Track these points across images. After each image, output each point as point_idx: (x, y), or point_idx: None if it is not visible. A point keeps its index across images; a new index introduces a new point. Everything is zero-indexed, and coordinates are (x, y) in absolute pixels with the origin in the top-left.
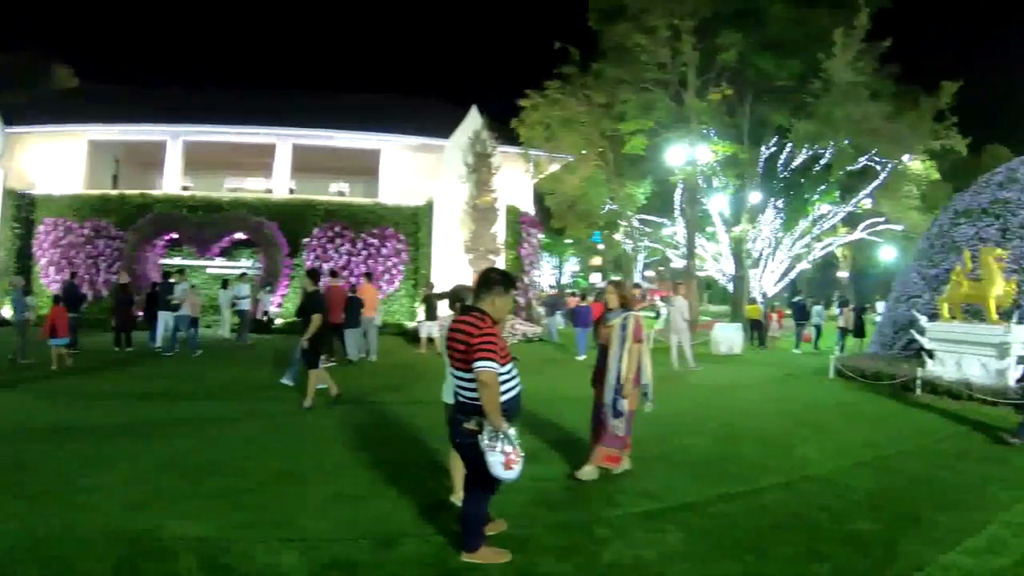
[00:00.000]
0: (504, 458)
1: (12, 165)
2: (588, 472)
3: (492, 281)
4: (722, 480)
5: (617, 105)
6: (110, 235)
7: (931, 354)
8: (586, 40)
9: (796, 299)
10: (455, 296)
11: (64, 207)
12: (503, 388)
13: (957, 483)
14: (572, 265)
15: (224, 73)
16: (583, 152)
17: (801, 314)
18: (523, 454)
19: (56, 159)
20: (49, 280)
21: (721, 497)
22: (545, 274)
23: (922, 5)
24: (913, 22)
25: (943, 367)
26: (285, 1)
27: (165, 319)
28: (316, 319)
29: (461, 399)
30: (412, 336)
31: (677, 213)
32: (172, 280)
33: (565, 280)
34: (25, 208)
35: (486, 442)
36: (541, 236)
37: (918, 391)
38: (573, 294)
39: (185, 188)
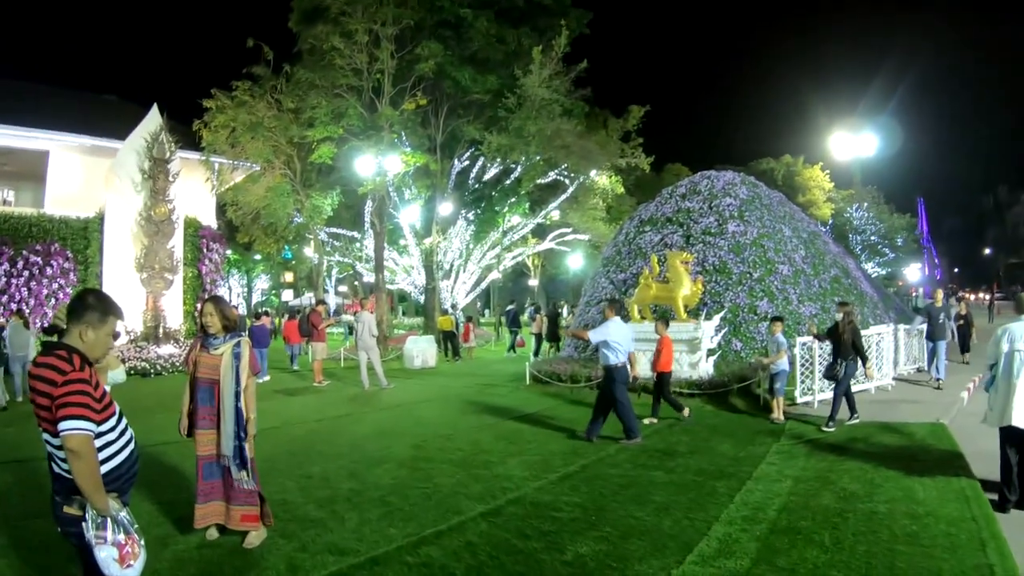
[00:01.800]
0: (117, 552)
1: None
2: (255, 536)
3: (83, 307)
4: (419, 518)
5: (307, 111)
6: None
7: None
8: (283, 41)
9: (509, 307)
10: (52, 328)
11: None
12: (104, 454)
13: (671, 483)
14: (263, 282)
15: None
16: (269, 160)
17: (514, 321)
18: (142, 541)
19: None
20: None
21: (422, 540)
22: (234, 293)
23: (615, 35)
24: (606, 49)
25: (640, 366)
26: None
27: None
28: None
29: (57, 471)
30: None
31: (367, 226)
32: None
33: (256, 298)
34: None
35: (91, 532)
36: (226, 252)
37: None
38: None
39: None
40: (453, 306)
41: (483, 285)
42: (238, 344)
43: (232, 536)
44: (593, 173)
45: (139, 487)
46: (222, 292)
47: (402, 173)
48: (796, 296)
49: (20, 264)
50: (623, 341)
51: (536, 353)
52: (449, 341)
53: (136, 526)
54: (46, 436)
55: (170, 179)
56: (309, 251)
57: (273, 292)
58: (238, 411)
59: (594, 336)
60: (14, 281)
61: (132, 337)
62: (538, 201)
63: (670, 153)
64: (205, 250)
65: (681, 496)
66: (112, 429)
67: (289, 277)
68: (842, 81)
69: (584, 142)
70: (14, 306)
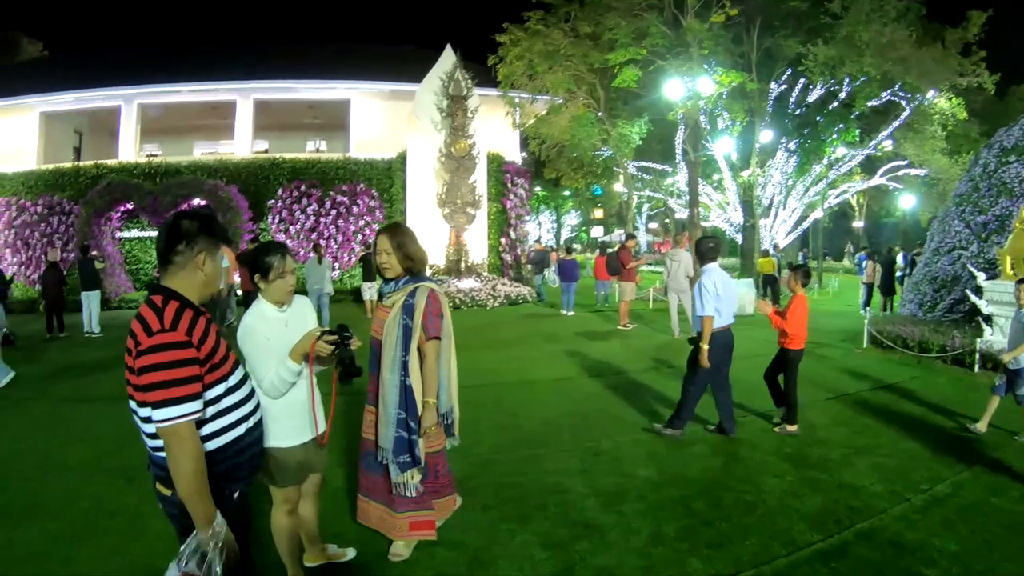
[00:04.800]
0: None
1: None
2: (400, 548)
3: (188, 231)
4: (733, 544)
5: (605, 35)
6: (64, 211)
7: (989, 320)
8: None
9: (861, 252)
10: (250, 259)
11: (17, 185)
12: (211, 427)
13: None
14: (572, 219)
15: (184, 31)
16: (570, 90)
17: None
18: None
19: (7, 136)
20: (6, 264)
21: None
22: (544, 228)
23: None
24: None
25: (1005, 336)
26: None
27: (88, 299)
28: None
29: (152, 455)
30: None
31: (679, 158)
32: (94, 254)
33: (566, 234)
34: None
35: (184, 567)
36: (532, 187)
37: (976, 367)
38: (571, 248)
39: (152, 156)
40: (774, 247)
41: (804, 225)
42: (413, 292)
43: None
44: (931, 94)
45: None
46: (530, 227)
47: (715, 96)
48: None
49: (328, 204)
50: None
51: (866, 305)
52: (769, 286)
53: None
54: (133, 406)
55: (468, 115)
56: (619, 186)
57: (583, 228)
58: (404, 389)
59: None
60: (323, 220)
61: (433, 272)
62: (867, 129)
63: (1017, 71)
64: (509, 185)
65: None
66: (226, 394)
67: (599, 213)
68: None
69: (921, 53)
70: (323, 243)
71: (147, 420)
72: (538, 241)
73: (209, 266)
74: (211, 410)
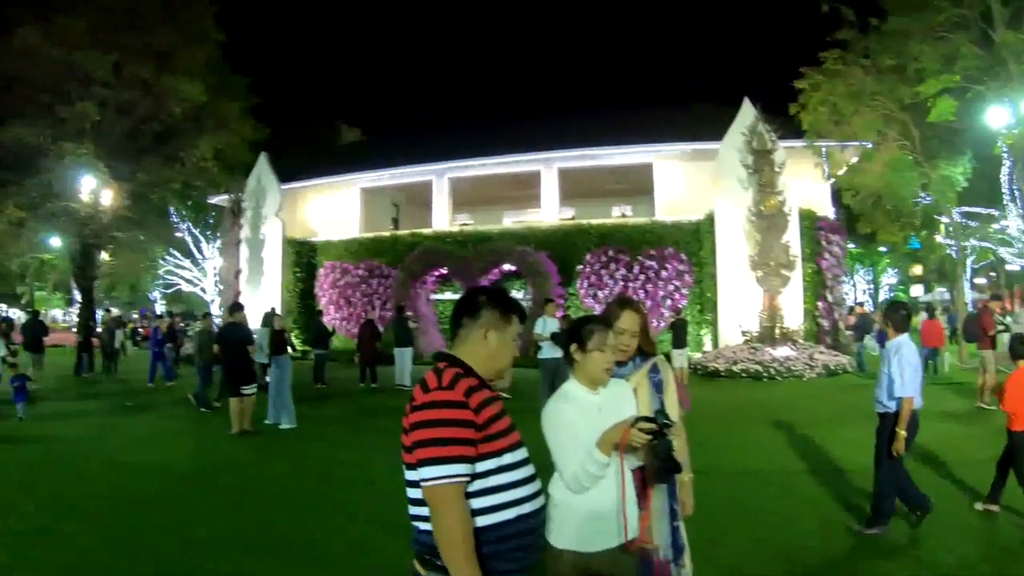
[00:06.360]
0: None
1: (295, 217)
2: None
3: (476, 304)
4: None
5: (910, 64)
6: (383, 274)
7: None
8: None
9: None
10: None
11: (341, 251)
12: (482, 502)
13: None
14: (889, 277)
15: (488, 109)
16: (881, 132)
17: None
18: None
19: (333, 208)
20: (330, 318)
21: None
22: (859, 289)
23: None
24: None
25: None
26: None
27: (401, 355)
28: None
29: (417, 529)
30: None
31: (1006, 199)
32: (408, 315)
33: (883, 295)
34: (306, 254)
35: None
36: (847, 244)
37: None
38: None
39: (464, 225)
40: None
41: None
42: (654, 369)
43: None
44: None
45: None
46: (845, 289)
47: None
48: None
49: (636, 269)
50: None
51: None
52: None
53: None
54: (406, 472)
55: (775, 170)
56: (940, 237)
57: (900, 287)
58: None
59: None
60: (631, 285)
61: (747, 338)
62: None
63: None
64: (824, 243)
65: None
66: (500, 469)
67: (917, 270)
68: None
69: None
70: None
71: (414, 484)
72: (860, 304)
73: (494, 340)
74: (476, 484)
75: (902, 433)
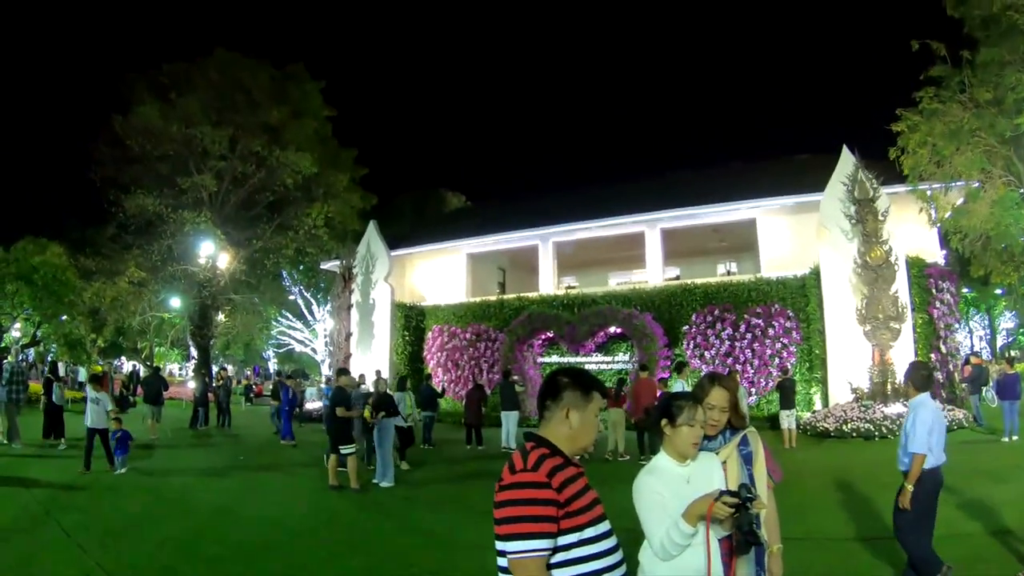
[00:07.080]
0: None
1: (404, 282)
2: None
3: (557, 386)
4: None
5: (1009, 97)
6: (490, 337)
7: None
8: (944, 31)
9: None
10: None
11: (449, 315)
12: (567, 574)
13: None
14: (1006, 321)
15: (590, 171)
16: (985, 169)
17: None
18: None
19: (441, 273)
20: (437, 380)
21: None
22: (975, 336)
23: None
24: None
25: None
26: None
27: (507, 418)
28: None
29: None
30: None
31: None
32: (514, 379)
33: (1000, 341)
34: (415, 318)
35: None
36: (959, 290)
37: None
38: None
39: (569, 288)
40: None
41: None
42: (744, 440)
43: None
44: None
45: None
46: (959, 337)
47: None
48: None
49: (743, 327)
50: None
51: None
52: None
53: None
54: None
55: (879, 218)
56: None
57: (1021, 331)
58: (757, 551)
59: None
60: (738, 344)
61: (857, 395)
62: None
63: None
64: (934, 291)
65: None
66: (582, 542)
67: None
68: None
69: None
70: (739, 367)
71: (502, 555)
72: (975, 354)
73: (576, 419)
74: (559, 556)
75: (908, 487)
